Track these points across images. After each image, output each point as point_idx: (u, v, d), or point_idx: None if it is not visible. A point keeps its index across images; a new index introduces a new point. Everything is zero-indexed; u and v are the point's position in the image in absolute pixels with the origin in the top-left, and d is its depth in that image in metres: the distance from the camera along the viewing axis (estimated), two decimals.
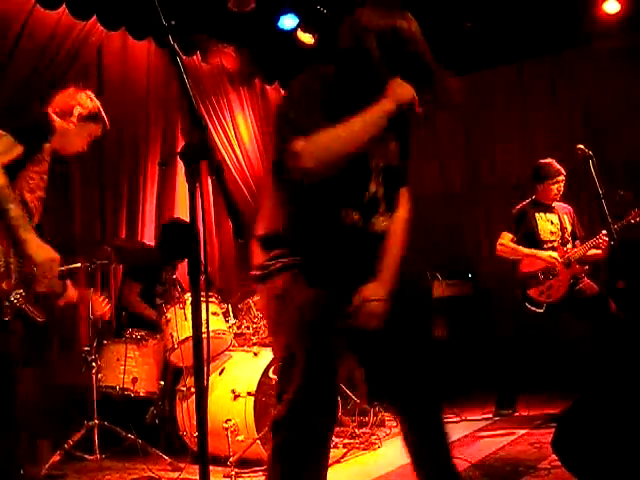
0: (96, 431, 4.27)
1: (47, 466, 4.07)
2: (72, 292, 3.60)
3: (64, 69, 5.15)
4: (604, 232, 5.02)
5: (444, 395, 2.84)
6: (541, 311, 5.24)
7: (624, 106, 6.70)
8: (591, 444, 2.54)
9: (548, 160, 5.34)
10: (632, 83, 6.62)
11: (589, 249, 5.23)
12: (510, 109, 7.46)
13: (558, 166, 5.28)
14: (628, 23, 6.49)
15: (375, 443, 4.75)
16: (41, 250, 2.92)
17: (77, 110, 3.36)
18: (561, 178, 5.28)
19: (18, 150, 2.98)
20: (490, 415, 5.41)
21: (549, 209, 5.38)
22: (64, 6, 5.07)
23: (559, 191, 5.32)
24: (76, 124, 3.38)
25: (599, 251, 5.19)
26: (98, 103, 3.50)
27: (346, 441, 4.80)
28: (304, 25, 6.71)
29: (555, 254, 5.20)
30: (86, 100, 3.42)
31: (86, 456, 4.32)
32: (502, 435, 4.75)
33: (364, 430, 4.99)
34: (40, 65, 5.02)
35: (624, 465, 2.45)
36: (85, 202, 5.51)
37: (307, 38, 6.78)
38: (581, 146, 4.95)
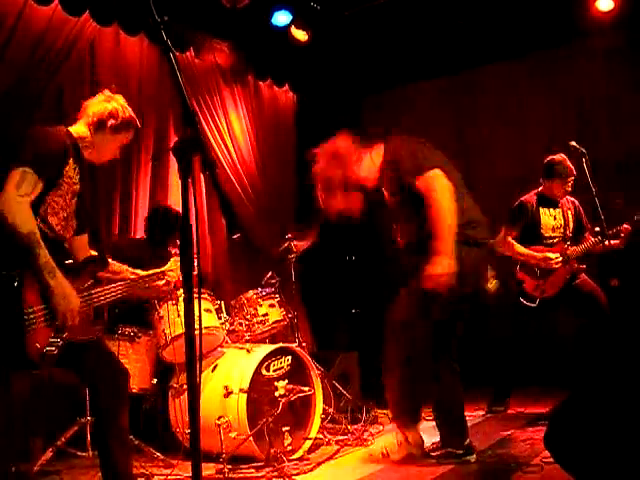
0: (88, 428, 4.27)
1: (39, 463, 4.05)
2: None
3: (57, 65, 5.13)
4: (625, 226, 5.15)
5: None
6: (534, 305, 5.24)
7: (618, 103, 6.72)
8: (584, 440, 2.54)
9: (561, 157, 5.26)
10: (626, 80, 6.63)
11: (588, 249, 5.22)
12: (504, 107, 7.46)
13: (571, 166, 5.22)
14: (621, 21, 6.50)
15: (368, 440, 4.75)
16: (62, 301, 2.94)
17: (110, 122, 3.29)
18: (571, 179, 5.25)
19: (40, 187, 2.97)
20: (482, 412, 5.42)
21: (554, 204, 5.36)
22: (57, 2, 5.06)
23: (567, 191, 5.31)
24: (108, 136, 3.32)
25: (617, 241, 5.18)
26: (130, 110, 3.41)
27: (339, 438, 4.80)
28: (298, 22, 6.71)
29: (551, 255, 5.19)
30: (119, 110, 3.33)
31: (78, 453, 4.32)
32: (494, 432, 4.76)
33: (357, 427, 5.00)
34: (33, 61, 5.00)
35: (618, 461, 2.45)
36: None
37: (301, 35, 6.79)
38: (574, 143, 4.96)
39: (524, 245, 5.26)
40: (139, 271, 3.62)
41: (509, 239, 5.29)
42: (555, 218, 5.34)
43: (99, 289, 3.26)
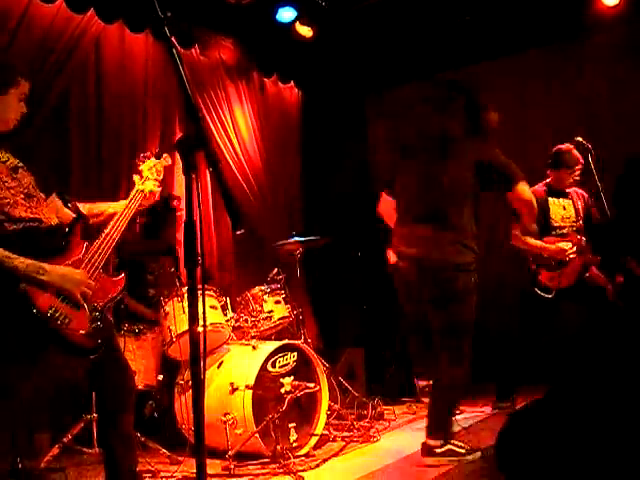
0: (95, 424, 4.28)
1: (46, 459, 4.07)
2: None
3: (62, 63, 5.13)
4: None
5: None
6: (550, 297, 5.19)
7: (623, 100, 6.68)
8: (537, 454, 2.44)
9: (568, 146, 5.20)
10: (631, 77, 6.59)
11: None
12: (506, 104, 7.42)
13: (578, 154, 5.17)
14: (627, 16, 6.47)
15: (374, 436, 4.75)
16: (67, 283, 2.79)
17: None
18: (578, 167, 5.18)
19: None
20: (489, 408, 5.41)
21: (563, 195, 5.32)
22: None
23: (575, 180, 5.26)
24: None
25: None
26: (5, 63, 3.07)
27: (345, 434, 4.81)
28: (303, 18, 6.70)
29: (565, 245, 5.14)
30: None
31: (85, 449, 4.33)
32: (500, 428, 4.74)
33: (363, 423, 4.99)
34: (37, 59, 5.00)
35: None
36: (83, 195, 5.49)
37: (305, 31, 6.78)
38: (580, 138, 4.92)
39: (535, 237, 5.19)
40: (122, 202, 3.46)
41: (518, 232, 5.22)
42: (565, 208, 5.29)
43: (96, 245, 3.06)
